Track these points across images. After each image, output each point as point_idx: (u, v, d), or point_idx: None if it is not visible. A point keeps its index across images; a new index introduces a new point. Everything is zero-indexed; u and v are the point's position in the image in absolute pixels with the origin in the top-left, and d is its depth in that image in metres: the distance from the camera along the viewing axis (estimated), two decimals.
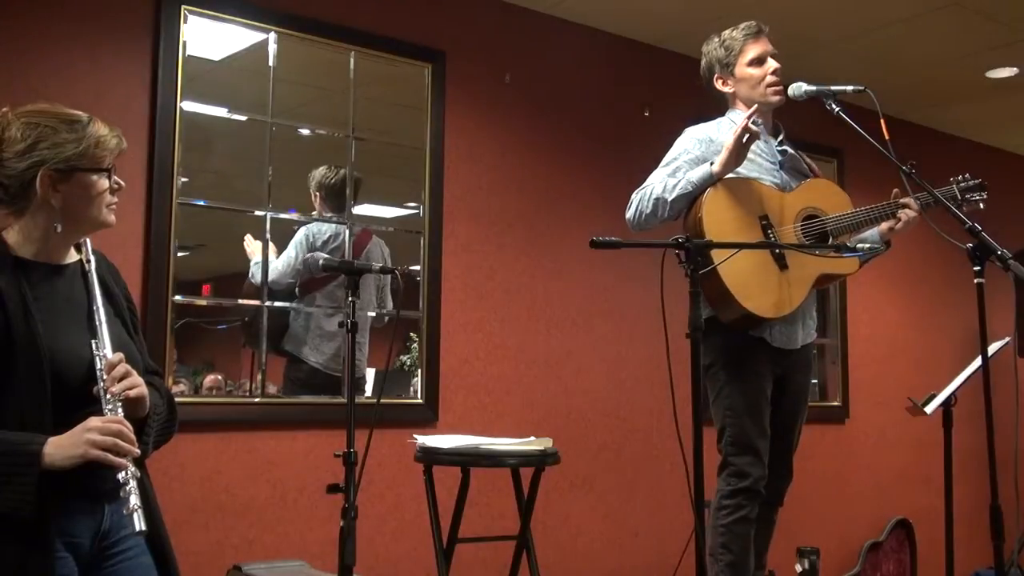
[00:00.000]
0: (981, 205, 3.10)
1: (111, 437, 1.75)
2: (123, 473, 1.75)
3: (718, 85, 3.17)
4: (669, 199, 2.96)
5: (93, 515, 1.86)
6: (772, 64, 3.10)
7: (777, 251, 2.96)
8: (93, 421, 1.76)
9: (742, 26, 3.13)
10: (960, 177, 3.12)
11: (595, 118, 4.55)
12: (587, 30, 4.54)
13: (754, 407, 2.98)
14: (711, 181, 2.93)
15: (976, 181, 3.12)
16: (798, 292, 2.98)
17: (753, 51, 3.10)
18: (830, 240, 3.04)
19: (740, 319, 2.93)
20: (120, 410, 1.80)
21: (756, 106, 3.00)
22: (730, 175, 2.97)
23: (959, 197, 3.07)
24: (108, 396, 1.79)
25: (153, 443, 1.98)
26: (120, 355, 1.85)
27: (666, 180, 2.99)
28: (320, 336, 3.74)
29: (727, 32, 3.14)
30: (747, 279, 2.89)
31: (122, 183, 1.95)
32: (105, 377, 1.81)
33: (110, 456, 1.74)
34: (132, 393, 1.83)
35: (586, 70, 4.55)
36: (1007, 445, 2.85)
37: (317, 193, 3.78)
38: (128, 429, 1.79)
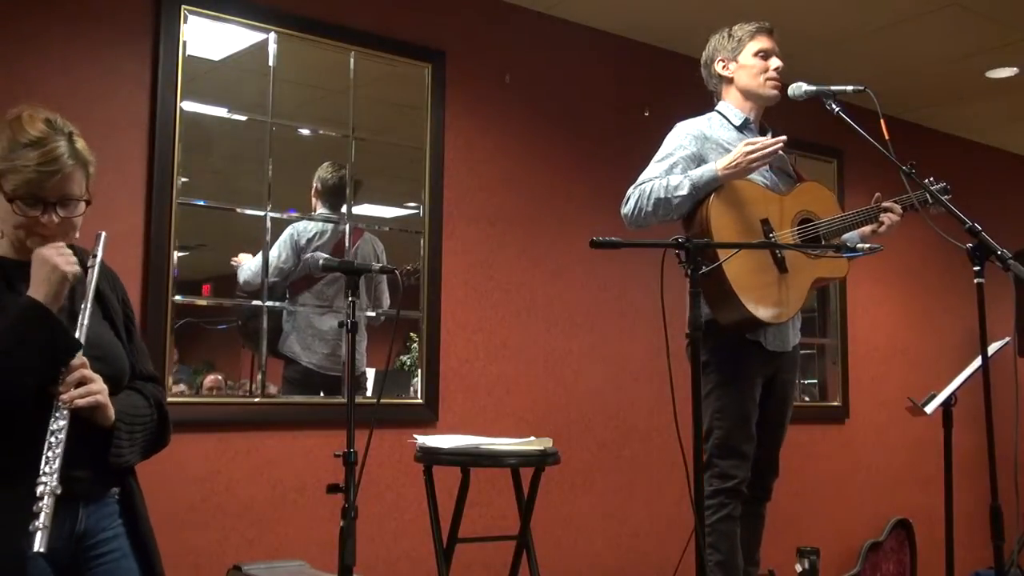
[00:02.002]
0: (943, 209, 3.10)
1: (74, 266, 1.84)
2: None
3: (718, 68, 3.18)
4: (674, 201, 2.94)
5: (67, 516, 1.83)
6: (776, 61, 3.13)
7: (779, 255, 2.96)
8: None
9: (753, 22, 3.16)
10: (929, 180, 3.11)
11: (595, 118, 4.55)
12: (587, 30, 4.54)
13: (743, 412, 2.99)
14: (715, 185, 2.94)
15: (941, 184, 3.16)
16: (797, 296, 2.99)
17: (760, 44, 3.13)
18: (823, 243, 3.05)
19: (741, 322, 2.92)
20: (62, 418, 1.76)
21: (751, 114, 3.10)
22: None
23: (929, 200, 3.07)
24: (58, 403, 1.76)
25: (141, 451, 1.97)
26: (83, 360, 1.82)
27: (667, 180, 2.97)
28: (312, 336, 3.73)
29: (737, 25, 3.17)
30: (751, 283, 2.90)
31: (51, 220, 1.84)
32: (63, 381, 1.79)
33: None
34: (81, 403, 1.79)
35: (586, 70, 4.55)
36: (1007, 445, 2.85)
37: (316, 187, 3.78)
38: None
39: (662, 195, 2.95)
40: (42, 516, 1.66)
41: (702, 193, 2.94)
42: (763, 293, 2.92)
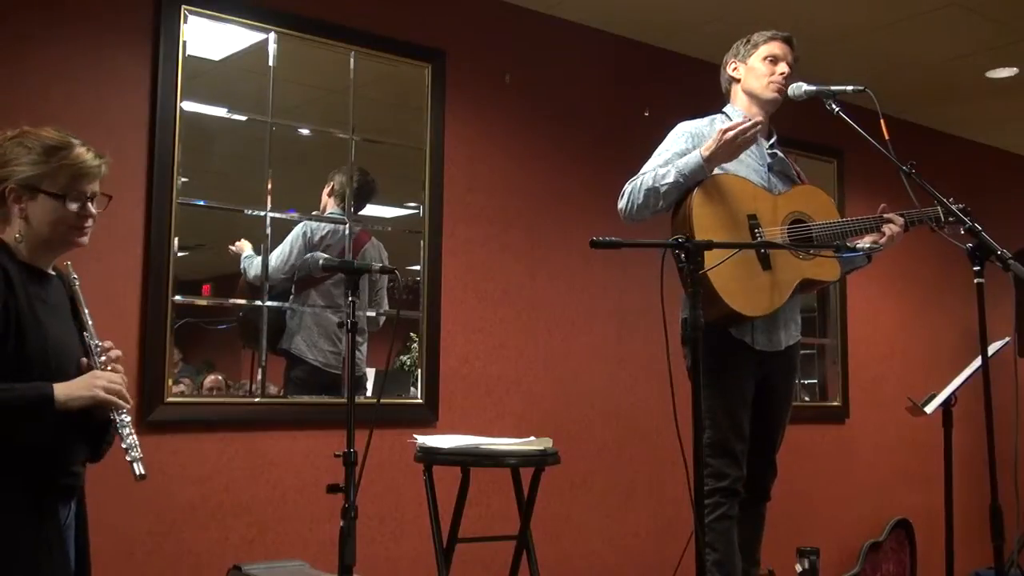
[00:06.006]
0: (962, 231, 3.04)
1: (116, 385, 1.97)
2: (123, 415, 1.97)
3: (728, 69, 3.20)
4: (662, 191, 2.96)
5: (63, 506, 2.03)
6: (784, 68, 3.12)
7: (763, 252, 2.95)
8: (99, 373, 1.99)
9: (773, 30, 3.17)
10: (954, 202, 3.06)
11: (595, 118, 4.55)
12: (587, 30, 4.54)
13: (732, 411, 2.98)
14: (702, 173, 2.94)
15: (960, 206, 3.04)
16: (780, 294, 2.97)
17: (771, 49, 3.13)
18: (814, 246, 3.02)
19: (722, 318, 2.91)
20: (119, 368, 2.03)
21: (758, 117, 3.05)
22: (721, 171, 2.99)
23: (942, 219, 3.01)
24: (104, 358, 2.02)
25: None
26: (111, 342, 2.07)
27: (657, 171, 3.00)
28: (319, 334, 3.74)
29: (758, 32, 3.18)
30: (730, 277, 2.88)
31: (92, 212, 2.04)
32: (102, 352, 2.04)
33: (116, 399, 1.96)
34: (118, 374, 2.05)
35: (586, 70, 4.55)
36: (1007, 445, 2.85)
37: (334, 188, 3.79)
38: (125, 382, 2.01)
39: (651, 184, 2.98)
40: (130, 438, 1.96)
41: (690, 181, 2.94)
42: (741, 286, 2.89)
